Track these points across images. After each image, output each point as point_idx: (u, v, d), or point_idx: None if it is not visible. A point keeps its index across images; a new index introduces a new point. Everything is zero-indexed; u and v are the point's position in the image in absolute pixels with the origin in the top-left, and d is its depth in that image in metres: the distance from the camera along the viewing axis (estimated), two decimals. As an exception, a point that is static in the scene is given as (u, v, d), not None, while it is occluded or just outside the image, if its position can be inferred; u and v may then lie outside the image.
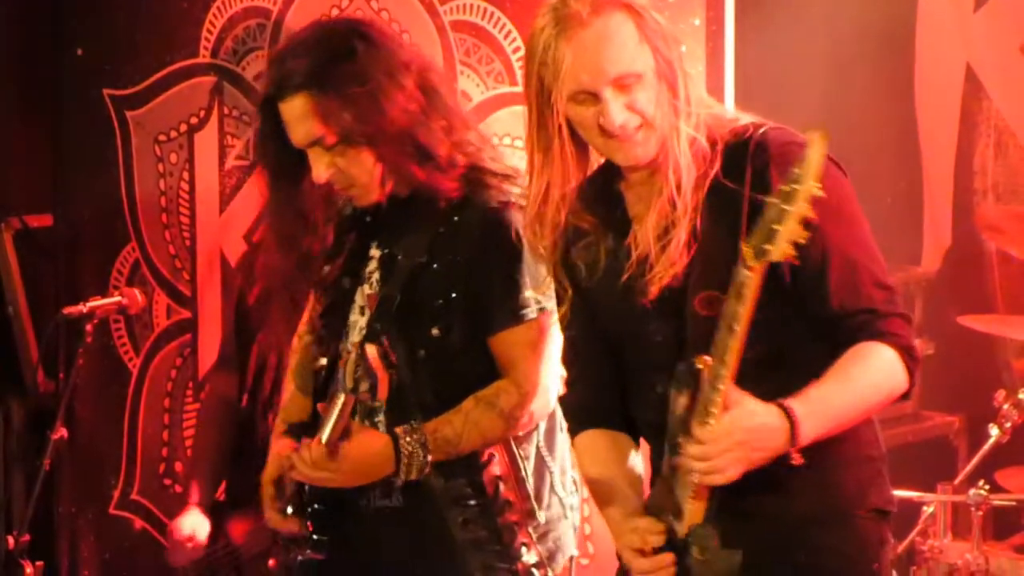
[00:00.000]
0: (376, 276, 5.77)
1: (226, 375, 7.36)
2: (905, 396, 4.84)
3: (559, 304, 5.23)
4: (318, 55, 5.60)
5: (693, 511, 4.85)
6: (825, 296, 4.78)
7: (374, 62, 5.57)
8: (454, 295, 5.60)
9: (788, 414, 4.57)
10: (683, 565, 4.89)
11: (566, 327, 5.26)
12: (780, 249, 4.41)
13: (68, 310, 7.09)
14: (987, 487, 7.05)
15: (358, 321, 5.78)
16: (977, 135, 8.44)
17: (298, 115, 5.58)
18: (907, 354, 4.77)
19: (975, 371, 8.19)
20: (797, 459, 4.58)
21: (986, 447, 7.22)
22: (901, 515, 6.70)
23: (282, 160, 5.72)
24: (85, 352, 7.17)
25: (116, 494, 8.10)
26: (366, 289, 5.79)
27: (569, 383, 5.38)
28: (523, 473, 5.85)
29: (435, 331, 5.63)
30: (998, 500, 7.04)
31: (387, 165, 5.60)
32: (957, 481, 7.19)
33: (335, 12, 7.46)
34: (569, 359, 5.37)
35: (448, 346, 5.65)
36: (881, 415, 7.29)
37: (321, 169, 5.58)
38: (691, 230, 4.95)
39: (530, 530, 5.81)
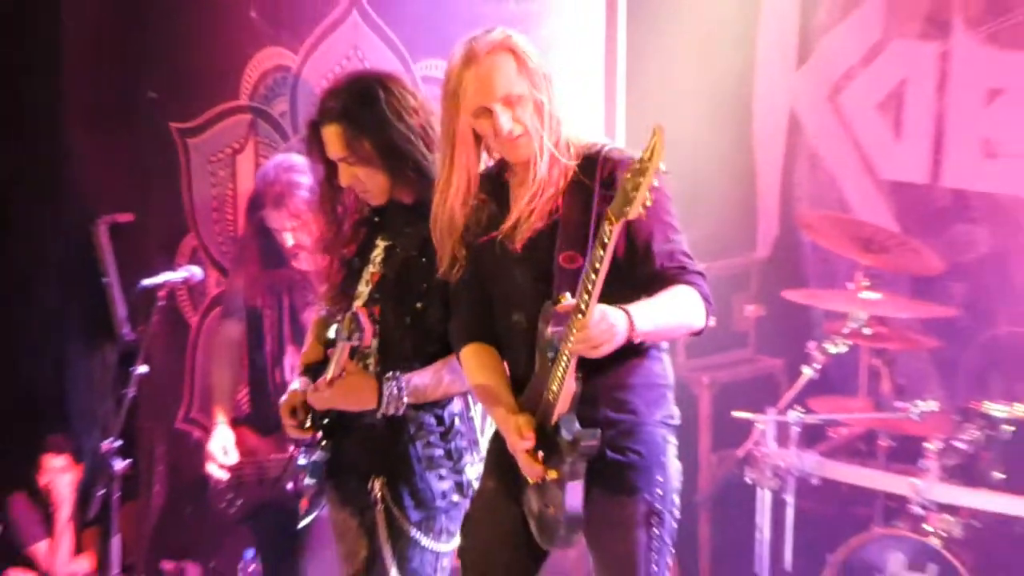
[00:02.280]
0: (379, 260, 6.06)
1: (235, 323, 7.50)
2: (700, 332, 5.40)
3: (452, 268, 5.62)
4: (350, 97, 5.95)
5: (561, 404, 5.29)
6: (651, 259, 5.33)
7: (389, 106, 5.89)
8: (434, 281, 5.82)
9: (627, 313, 5.07)
10: (556, 443, 5.32)
11: (456, 274, 5.65)
12: (635, 209, 4.90)
13: (146, 282, 7.34)
14: (802, 410, 7.53)
15: (363, 292, 6.05)
16: (796, 159, 8.90)
17: (332, 138, 5.91)
18: (705, 299, 5.35)
19: (794, 328, 8.40)
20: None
21: (800, 382, 7.66)
22: (741, 430, 7.41)
23: (326, 168, 6.06)
24: (158, 311, 7.37)
25: (180, 413, 8.46)
26: (371, 268, 6.07)
27: (454, 313, 5.78)
28: (472, 413, 6.17)
29: (418, 305, 5.94)
30: (809, 419, 7.55)
31: (392, 180, 5.94)
32: (780, 406, 7.59)
33: (337, 69, 7.62)
34: (456, 296, 5.76)
35: (427, 316, 5.94)
36: (726, 358, 8.06)
37: (345, 178, 5.95)
38: (553, 208, 5.41)
39: (474, 453, 6.10)
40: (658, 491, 5.56)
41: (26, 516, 8.51)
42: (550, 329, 5.29)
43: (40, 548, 8.49)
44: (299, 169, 7.08)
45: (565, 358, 5.21)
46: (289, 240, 7.08)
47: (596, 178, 5.39)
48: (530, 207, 5.48)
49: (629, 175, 4.97)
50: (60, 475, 8.54)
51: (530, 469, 5.44)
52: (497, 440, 5.72)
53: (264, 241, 7.22)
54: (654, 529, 5.54)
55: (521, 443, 5.40)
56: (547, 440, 5.38)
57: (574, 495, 5.38)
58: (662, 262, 5.37)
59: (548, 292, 5.38)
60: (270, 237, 7.16)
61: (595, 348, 5.12)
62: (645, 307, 5.23)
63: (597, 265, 5.01)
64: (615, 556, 5.60)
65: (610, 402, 5.49)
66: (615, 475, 5.50)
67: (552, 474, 5.38)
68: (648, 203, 5.00)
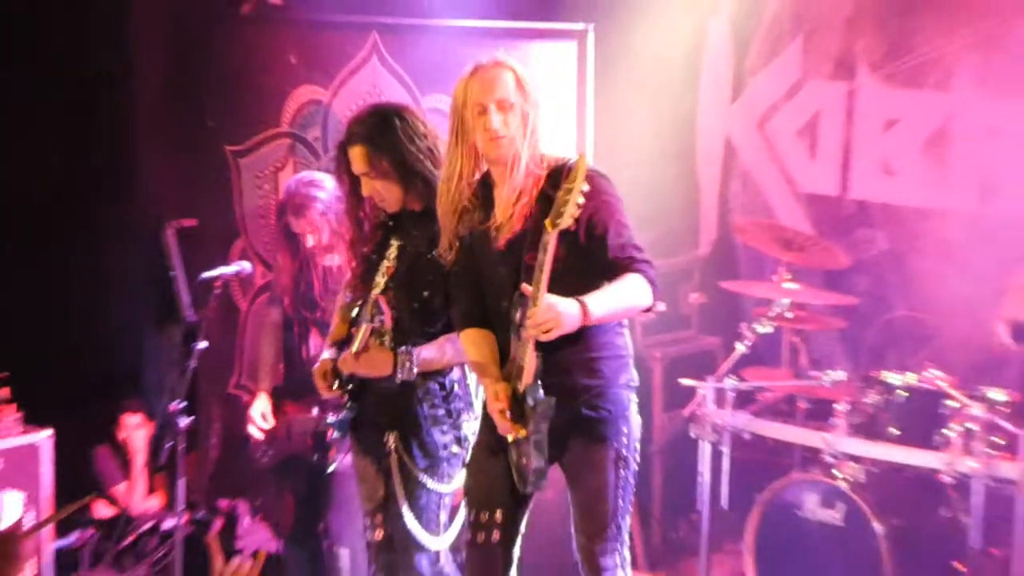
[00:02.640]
0: (393, 256, 6.08)
1: (274, 307, 7.39)
2: (649, 309, 5.50)
3: (450, 250, 5.71)
4: (372, 124, 5.99)
5: (526, 376, 5.44)
6: (605, 250, 5.42)
7: (403, 132, 5.94)
8: (438, 274, 5.90)
9: (581, 303, 5.25)
10: (523, 407, 5.45)
11: (454, 264, 5.75)
12: (565, 222, 5.12)
13: (205, 274, 7.29)
14: (735, 378, 7.57)
15: (380, 282, 6.08)
16: (731, 176, 9.02)
17: (356, 157, 5.99)
18: (651, 283, 5.43)
19: (729, 312, 8.47)
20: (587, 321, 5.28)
21: (734, 356, 7.69)
22: (686, 394, 7.43)
23: (350, 182, 6.09)
24: (215, 298, 7.35)
25: (232, 380, 8.39)
26: (386, 263, 6.08)
27: (454, 301, 5.83)
28: (468, 380, 6.19)
29: (425, 293, 5.98)
30: (741, 386, 7.59)
31: (405, 191, 5.99)
32: (718, 375, 7.62)
33: (360, 101, 7.47)
34: (455, 284, 5.82)
35: (432, 302, 5.99)
36: (674, 336, 8.01)
37: (366, 189, 6.02)
38: (528, 214, 5.48)
39: (469, 413, 6.16)
40: (624, 439, 5.69)
41: (108, 464, 8.51)
42: (518, 315, 5.41)
43: (120, 489, 8.48)
44: (317, 184, 7.04)
45: (520, 349, 5.39)
46: (309, 241, 7.02)
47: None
48: (509, 212, 5.56)
49: (560, 193, 5.17)
50: (136, 431, 8.56)
51: (503, 427, 5.56)
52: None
53: (291, 242, 7.12)
54: (621, 471, 5.68)
55: (495, 405, 5.53)
56: (518, 405, 5.50)
57: (536, 454, 5.51)
58: (615, 253, 5.46)
59: (509, 289, 5.53)
60: (296, 239, 7.06)
61: (546, 332, 5.27)
62: (598, 295, 5.37)
63: (542, 265, 5.19)
64: (590, 491, 5.70)
65: (584, 370, 5.61)
66: (590, 427, 5.63)
67: (521, 432, 5.51)
68: (576, 216, 5.21)
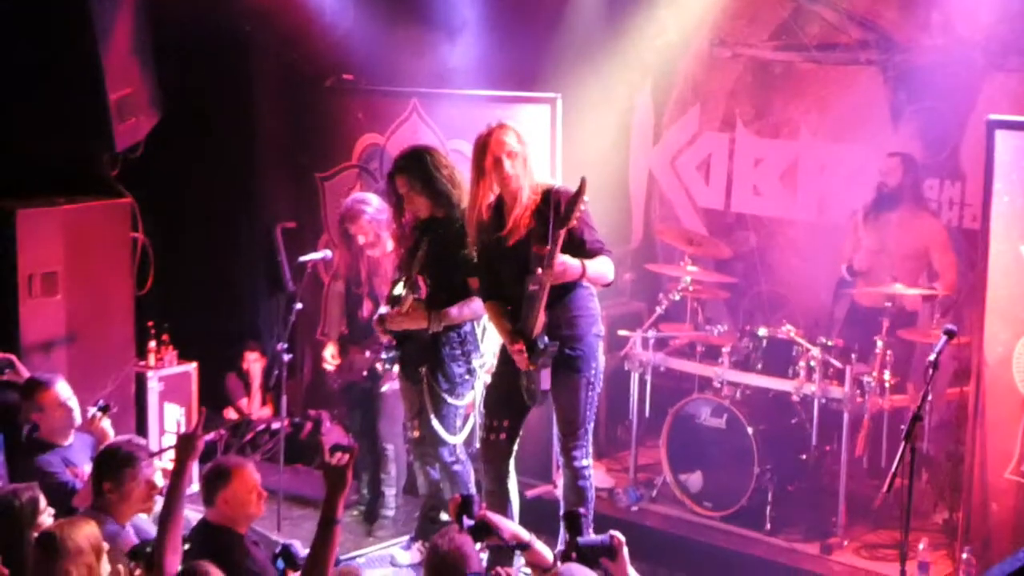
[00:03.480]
0: (424, 249, 6.04)
1: (340, 281, 7.21)
2: (610, 283, 5.67)
3: (475, 247, 5.76)
4: (411, 159, 6.07)
5: (537, 328, 5.48)
6: (584, 244, 5.49)
7: (432, 164, 5.98)
8: (455, 262, 5.93)
9: (582, 263, 5.41)
10: (535, 349, 5.51)
11: (477, 259, 5.80)
12: (568, 226, 5.25)
13: (301, 259, 7.28)
14: (655, 330, 7.44)
15: (416, 266, 6.05)
16: (652, 196, 8.82)
17: (399, 184, 6.01)
18: (612, 265, 5.56)
19: (651, 286, 8.24)
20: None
21: (655, 315, 7.59)
22: (622, 341, 7.33)
23: (397, 196, 6.08)
24: (307, 276, 7.35)
25: (318, 330, 8.17)
26: (420, 253, 6.05)
27: (480, 282, 5.82)
28: (477, 331, 6.18)
29: (447, 273, 6.00)
30: (659, 336, 7.44)
31: (432, 204, 6.00)
32: (643, 328, 7.51)
33: (404, 143, 7.08)
34: (479, 272, 5.81)
35: (453, 281, 5.99)
36: (615, 302, 7.94)
37: (406, 204, 6.03)
38: (528, 224, 5.52)
39: (477, 353, 6.16)
40: (592, 372, 5.71)
41: (236, 384, 8.46)
42: (530, 287, 5.43)
43: (243, 402, 8.43)
44: (366, 201, 6.88)
45: (538, 302, 5.41)
46: (360, 240, 6.88)
47: (550, 205, 5.47)
48: (516, 223, 5.58)
49: (567, 205, 5.26)
50: (254, 363, 8.49)
51: (521, 362, 5.60)
52: (504, 349, 5.79)
53: (347, 240, 7.00)
54: (589, 392, 5.71)
55: (516, 347, 5.56)
56: (531, 347, 5.52)
57: (544, 380, 5.58)
58: (591, 245, 5.52)
59: (525, 272, 5.51)
60: (351, 238, 6.94)
61: (560, 277, 5.40)
62: (591, 262, 5.46)
63: (557, 241, 5.32)
64: (569, 405, 5.72)
65: (567, 324, 5.64)
66: (570, 363, 5.66)
67: (532, 366, 5.56)
68: (577, 219, 5.34)
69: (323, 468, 4.30)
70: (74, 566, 4.16)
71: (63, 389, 5.78)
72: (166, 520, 4.39)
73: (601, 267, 5.55)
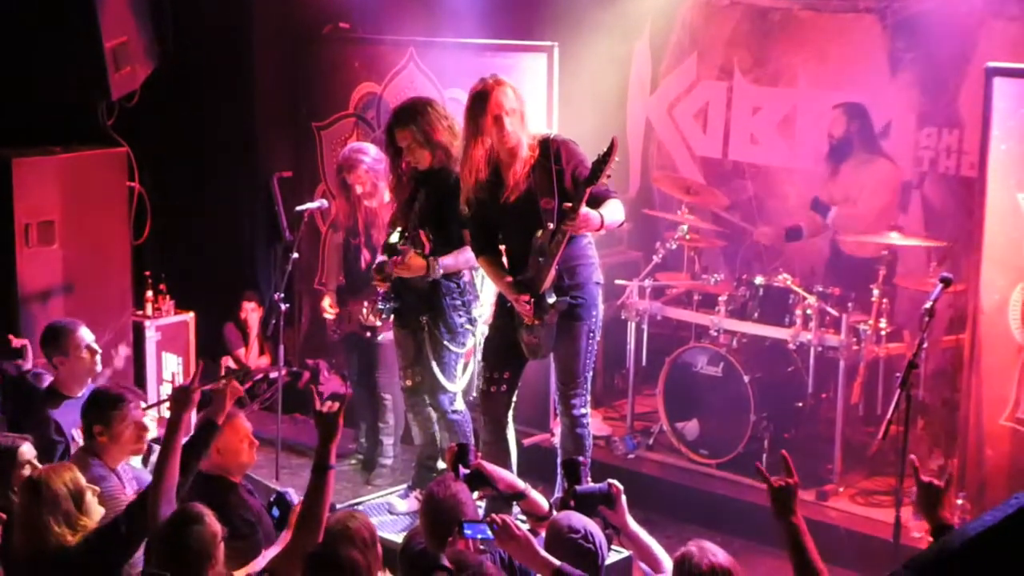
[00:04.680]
0: (422, 199, 6.02)
1: (338, 232, 7.16)
2: (623, 223, 5.68)
3: (466, 199, 5.63)
4: (411, 110, 5.97)
5: (547, 283, 5.47)
6: (598, 190, 5.37)
7: (432, 116, 5.92)
8: (452, 213, 5.83)
9: (600, 214, 5.34)
10: (543, 303, 5.49)
11: (471, 214, 5.65)
12: (595, 184, 5.24)
13: (298, 208, 7.33)
14: (652, 279, 7.45)
15: (413, 218, 6.03)
16: (650, 144, 8.77)
17: (400, 135, 5.93)
18: (622, 205, 5.57)
19: (648, 235, 8.21)
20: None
21: (652, 264, 7.58)
22: (620, 290, 7.34)
23: (394, 148, 6.01)
24: (304, 224, 7.45)
25: (315, 280, 8.19)
26: (416, 204, 6.02)
27: (472, 235, 5.78)
28: (476, 280, 6.19)
29: (445, 223, 5.95)
30: (656, 284, 7.47)
31: (432, 155, 5.93)
32: (641, 277, 7.53)
33: (405, 94, 7.25)
34: (472, 226, 5.75)
35: (450, 231, 5.95)
36: (612, 251, 7.97)
37: (406, 155, 5.96)
38: (528, 179, 5.47)
39: (475, 302, 6.17)
40: (593, 320, 5.68)
41: (233, 334, 8.45)
42: (539, 241, 5.44)
43: (240, 352, 8.43)
44: (364, 151, 6.87)
45: (551, 257, 5.40)
46: (358, 189, 6.86)
47: (550, 156, 5.47)
48: (517, 178, 5.52)
49: (595, 166, 5.24)
50: (252, 313, 8.46)
51: (527, 316, 5.56)
52: (502, 300, 5.78)
53: (345, 190, 6.96)
54: (589, 340, 5.69)
55: (523, 298, 5.52)
56: (539, 302, 5.51)
57: (550, 336, 5.58)
58: (598, 190, 5.40)
59: (528, 227, 5.51)
60: (349, 188, 6.91)
61: (582, 227, 5.34)
62: (606, 211, 5.41)
63: (582, 197, 5.26)
64: (569, 354, 5.70)
65: (567, 272, 5.59)
66: (571, 311, 5.61)
67: (538, 320, 5.54)
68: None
69: (315, 416, 4.32)
70: (52, 513, 4.22)
71: (87, 334, 5.76)
72: (161, 471, 4.41)
73: (615, 213, 5.51)
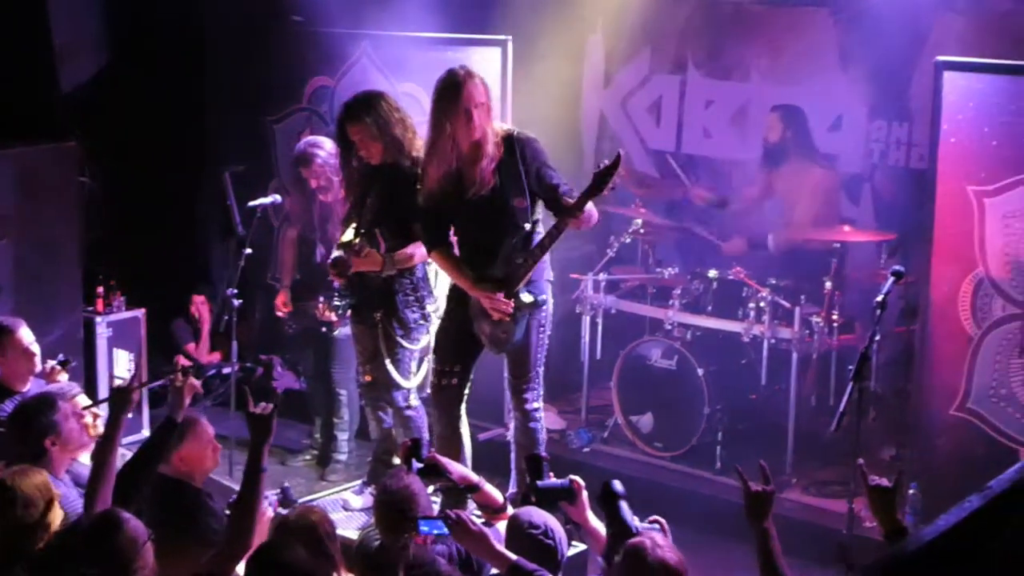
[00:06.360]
0: (374, 195, 5.97)
1: (293, 227, 7.19)
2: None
3: (426, 191, 5.57)
4: (363, 103, 5.92)
5: (522, 282, 5.49)
6: (556, 189, 5.42)
7: (384, 109, 5.87)
8: (405, 208, 5.80)
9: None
10: (515, 304, 5.51)
11: (426, 207, 5.59)
12: (598, 194, 5.28)
13: (251, 203, 7.30)
14: (606, 273, 7.45)
15: (366, 215, 5.99)
16: (603, 138, 8.76)
17: (352, 129, 5.87)
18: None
19: (603, 228, 7.68)
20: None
21: (606, 257, 7.55)
22: (574, 284, 7.27)
23: (346, 143, 5.97)
24: (257, 220, 7.31)
25: (268, 274, 8.07)
26: (369, 201, 5.99)
27: (424, 229, 5.71)
28: (430, 275, 6.14)
29: (399, 217, 5.90)
30: (610, 278, 7.45)
31: (384, 149, 5.87)
32: (595, 270, 7.51)
33: (357, 87, 6.86)
34: (425, 219, 5.67)
35: (403, 228, 5.92)
36: (567, 244, 7.72)
37: (359, 150, 5.91)
38: (493, 171, 5.43)
39: (429, 298, 6.13)
40: (544, 314, 5.67)
41: (183, 330, 8.42)
42: (511, 242, 5.47)
43: (191, 347, 8.37)
44: (319, 144, 6.83)
45: (538, 256, 5.46)
46: (313, 184, 6.84)
47: (515, 154, 5.47)
48: (482, 174, 5.47)
49: (600, 177, 5.28)
50: (203, 308, 8.41)
51: (498, 313, 5.54)
52: (455, 291, 5.76)
53: (300, 184, 6.95)
54: (541, 335, 5.69)
55: (497, 297, 5.52)
56: (513, 299, 5.54)
57: (517, 331, 5.60)
58: (564, 191, 5.43)
59: (488, 223, 5.52)
60: (304, 182, 6.89)
61: (584, 224, 5.41)
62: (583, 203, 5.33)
63: (583, 203, 5.28)
64: (521, 347, 5.69)
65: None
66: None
67: (507, 318, 5.55)
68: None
69: (247, 418, 4.23)
70: (26, 515, 4.16)
71: (26, 334, 5.73)
72: (98, 473, 4.36)
73: (592, 211, 5.54)
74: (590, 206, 5.39)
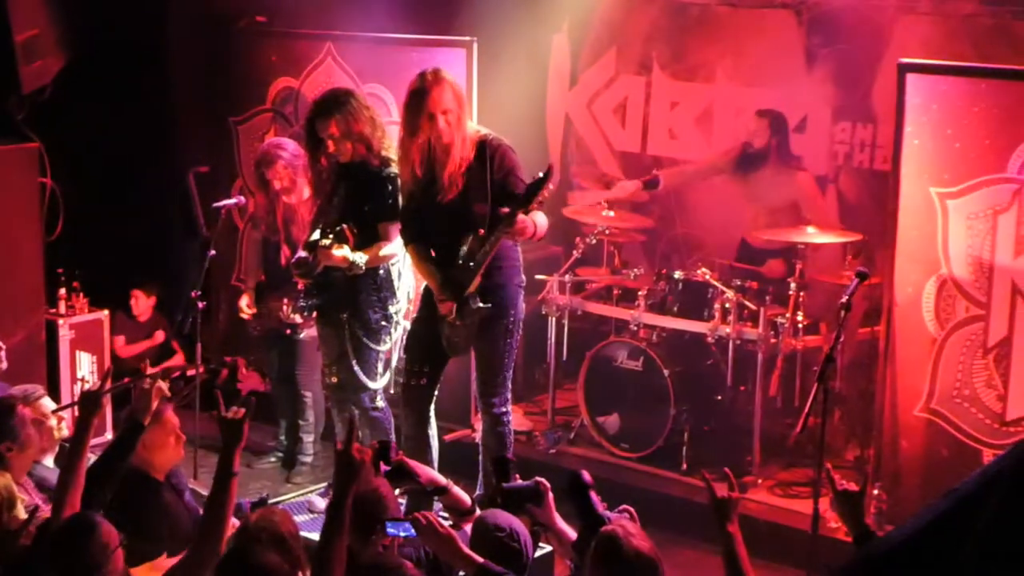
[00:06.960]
0: (342, 193, 5.97)
1: (256, 229, 7.13)
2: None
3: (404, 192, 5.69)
4: (333, 100, 5.92)
5: (473, 287, 5.52)
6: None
7: (354, 106, 5.85)
8: (375, 208, 5.88)
9: (534, 222, 5.36)
10: (467, 304, 5.54)
11: (404, 206, 5.68)
12: (527, 207, 5.28)
13: (215, 204, 7.33)
14: (572, 274, 7.43)
15: (333, 212, 5.97)
16: (569, 139, 8.79)
17: (322, 126, 5.85)
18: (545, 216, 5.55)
19: (568, 230, 8.12)
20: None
21: (572, 259, 7.53)
22: (541, 285, 7.29)
23: (314, 141, 5.95)
24: (221, 221, 7.38)
25: (233, 276, 8.13)
26: (336, 199, 5.99)
27: (402, 225, 5.75)
28: (393, 276, 6.09)
29: (366, 215, 5.91)
30: (576, 279, 7.46)
31: (353, 148, 5.86)
32: (561, 272, 7.49)
33: (323, 89, 6.77)
34: (404, 218, 5.77)
35: (370, 225, 5.92)
36: (532, 247, 7.80)
37: (328, 148, 5.88)
38: (463, 180, 5.47)
39: (393, 299, 6.10)
40: (512, 319, 5.70)
41: (122, 323, 8.29)
42: (466, 247, 5.50)
43: (120, 340, 8.22)
44: (282, 146, 6.83)
45: (480, 263, 5.45)
46: (277, 185, 6.81)
47: (485, 160, 5.50)
48: (452, 178, 5.51)
49: (529, 190, 5.29)
50: (143, 300, 8.38)
51: (444, 309, 5.61)
52: (427, 293, 5.79)
53: (264, 185, 6.89)
54: (509, 339, 5.72)
55: (448, 302, 5.59)
56: (462, 303, 5.59)
57: (469, 336, 5.64)
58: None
59: (457, 226, 5.54)
60: (268, 183, 6.84)
61: (520, 236, 5.41)
62: (538, 220, 5.47)
63: (515, 215, 5.29)
64: (489, 352, 5.75)
65: (490, 272, 5.61)
66: (493, 311, 5.63)
67: (459, 321, 5.59)
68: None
69: (219, 421, 4.17)
70: None
71: None
72: (67, 476, 4.31)
73: (543, 221, 5.54)
74: (541, 219, 5.44)
